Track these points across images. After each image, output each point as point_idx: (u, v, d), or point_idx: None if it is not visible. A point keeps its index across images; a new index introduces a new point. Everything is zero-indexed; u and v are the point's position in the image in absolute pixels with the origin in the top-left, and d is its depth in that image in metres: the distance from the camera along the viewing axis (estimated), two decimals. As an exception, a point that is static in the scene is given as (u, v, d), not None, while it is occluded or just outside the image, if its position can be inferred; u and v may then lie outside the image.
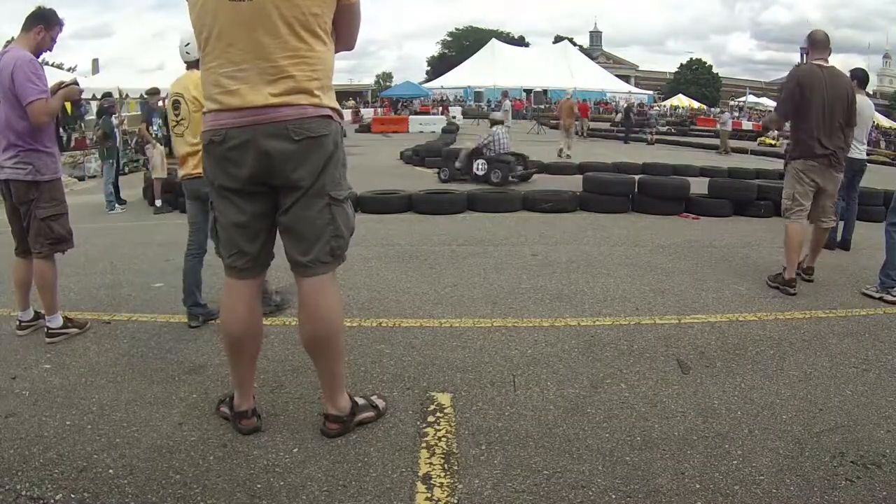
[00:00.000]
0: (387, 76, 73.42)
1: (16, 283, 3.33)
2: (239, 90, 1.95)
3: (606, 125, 28.42)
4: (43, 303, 3.22)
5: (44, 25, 3.11)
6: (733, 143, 19.21)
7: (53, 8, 3.18)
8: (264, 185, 2.04)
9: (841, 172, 4.39)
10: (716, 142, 19.55)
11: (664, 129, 22.83)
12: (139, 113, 17.57)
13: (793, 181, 4.34)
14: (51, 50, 3.22)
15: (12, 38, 3.25)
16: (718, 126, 20.96)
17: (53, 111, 3.13)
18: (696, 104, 47.04)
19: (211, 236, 2.25)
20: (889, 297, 3.97)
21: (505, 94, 17.23)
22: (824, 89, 4.19)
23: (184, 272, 3.45)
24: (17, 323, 3.31)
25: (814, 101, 4.21)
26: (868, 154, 5.64)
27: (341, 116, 2.11)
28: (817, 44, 4.33)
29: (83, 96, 13.44)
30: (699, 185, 7.83)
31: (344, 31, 2.14)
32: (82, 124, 11.35)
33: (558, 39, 66.33)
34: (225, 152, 2.00)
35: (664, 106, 46.93)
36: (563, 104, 17.60)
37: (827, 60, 4.35)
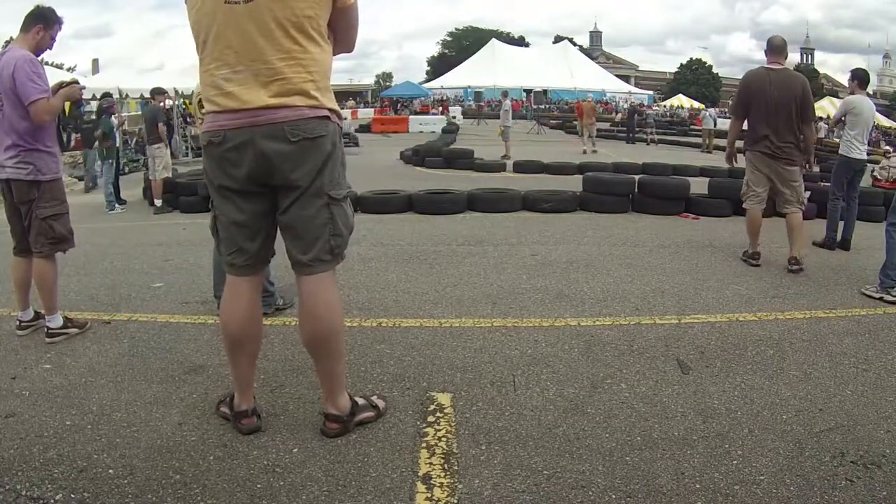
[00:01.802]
0: (387, 76, 73.60)
1: (15, 282, 3.33)
2: (235, 92, 1.95)
3: (606, 125, 28.44)
4: (43, 303, 3.22)
5: (43, 25, 3.11)
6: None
7: (52, 7, 3.16)
8: (263, 185, 2.04)
9: (794, 166, 4.80)
10: (719, 142, 19.63)
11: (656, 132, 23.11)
12: (139, 113, 17.59)
13: (747, 170, 4.98)
14: (51, 48, 3.22)
15: (11, 38, 3.25)
16: (703, 125, 21.36)
17: (55, 110, 3.14)
18: (696, 104, 47.07)
19: (211, 234, 2.25)
20: (889, 297, 3.97)
21: (505, 94, 17.17)
22: (769, 90, 4.67)
23: (214, 264, 3.50)
24: (17, 323, 3.31)
25: (758, 100, 4.72)
26: (868, 154, 5.67)
27: (340, 117, 2.12)
28: (773, 48, 4.81)
29: (83, 96, 13.42)
30: (699, 185, 7.84)
31: (342, 34, 2.15)
32: (79, 123, 11.27)
33: (558, 39, 66.47)
34: (223, 153, 2.00)
35: (664, 106, 46.96)
36: (585, 105, 18.53)
37: (782, 63, 4.80)
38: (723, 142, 19.34)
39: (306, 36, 1.97)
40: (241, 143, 1.97)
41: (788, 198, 4.83)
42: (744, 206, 5.02)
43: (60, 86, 3.25)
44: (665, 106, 47.08)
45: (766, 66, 4.82)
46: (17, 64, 2.96)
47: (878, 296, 4.03)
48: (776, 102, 4.64)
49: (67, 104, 9.42)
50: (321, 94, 2.02)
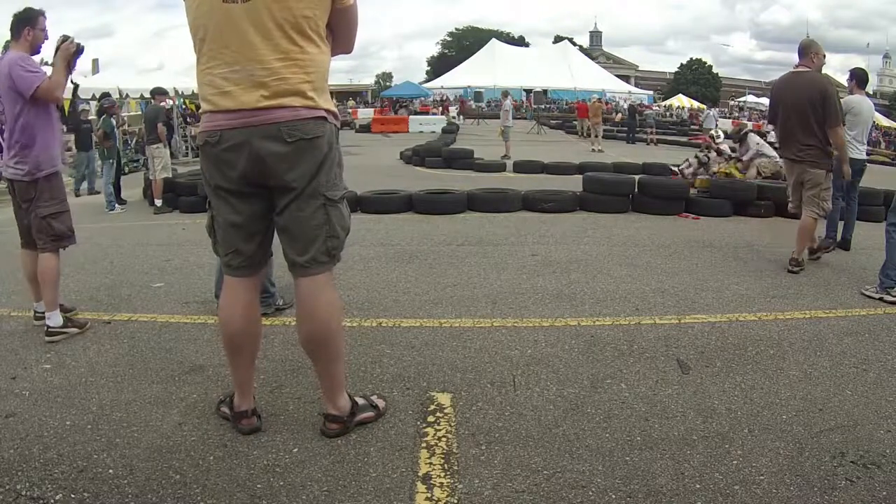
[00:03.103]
0: (387, 76, 73.72)
1: (26, 276, 3.44)
2: (232, 91, 1.95)
3: (606, 125, 28.45)
4: (44, 297, 3.26)
5: (29, 26, 3.22)
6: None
7: (28, 6, 3.27)
8: (260, 185, 2.04)
9: (819, 168, 4.69)
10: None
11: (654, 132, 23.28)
12: (139, 113, 17.55)
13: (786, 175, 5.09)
14: (47, 38, 3.32)
15: (9, 41, 3.32)
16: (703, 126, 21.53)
17: (61, 83, 3.21)
18: (696, 104, 47.07)
19: (209, 234, 2.25)
20: (889, 298, 3.97)
21: (505, 93, 17.16)
22: (786, 94, 4.70)
23: (217, 263, 3.50)
24: (34, 313, 3.40)
25: (781, 105, 4.77)
26: (868, 154, 5.67)
27: (337, 118, 2.12)
28: (799, 51, 4.82)
29: (82, 96, 13.40)
30: (699, 186, 7.84)
31: (340, 35, 2.15)
32: (79, 122, 11.22)
33: (558, 39, 66.44)
34: (220, 153, 2.00)
35: (663, 106, 46.95)
36: (593, 105, 19.12)
37: (807, 66, 4.72)
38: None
39: (304, 37, 1.97)
40: (238, 144, 1.97)
41: (808, 200, 4.76)
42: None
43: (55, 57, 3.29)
44: (665, 106, 47.06)
45: (793, 69, 4.83)
46: (10, 64, 3.10)
47: (877, 296, 4.03)
48: (792, 106, 4.64)
49: (66, 102, 9.35)
50: (318, 94, 2.02)
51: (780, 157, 5.08)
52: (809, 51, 4.73)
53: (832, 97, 4.55)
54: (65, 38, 3.17)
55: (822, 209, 4.73)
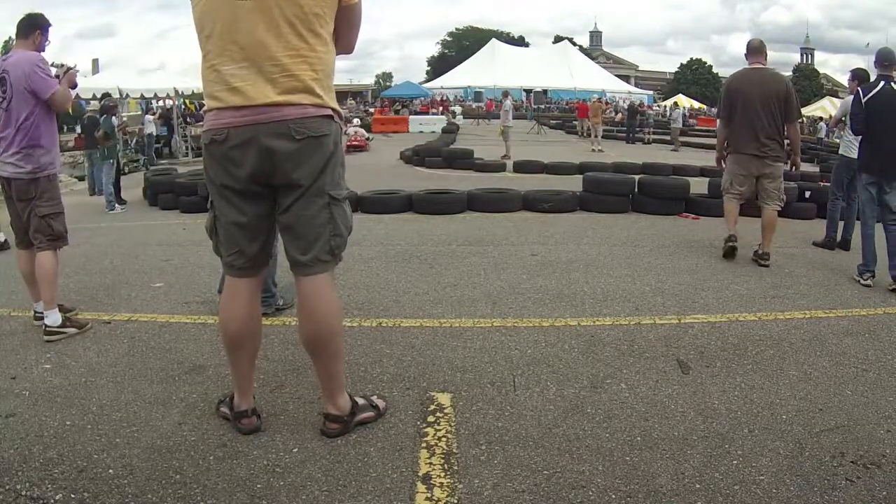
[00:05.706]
0: (387, 76, 73.78)
1: (24, 276, 3.43)
2: (240, 87, 1.95)
3: (606, 125, 28.50)
4: (42, 294, 3.27)
5: (40, 30, 3.32)
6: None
7: (40, 12, 3.36)
8: (265, 184, 2.04)
9: (779, 162, 4.86)
10: (713, 142, 19.73)
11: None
12: (139, 113, 17.56)
13: (731, 169, 4.99)
14: (49, 43, 3.40)
15: (10, 38, 3.36)
16: (671, 124, 21.64)
17: (69, 96, 3.43)
18: (696, 104, 47.06)
19: (209, 235, 2.24)
20: (863, 282, 4.30)
21: (506, 93, 17.16)
22: (753, 89, 4.73)
23: None
24: (33, 314, 3.40)
25: (741, 100, 4.78)
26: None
27: (341, 117, 2.12)
28: (753, 50, 4.94)
29: (83, 96, 13.42)
30: (699, 185, 7.84)
31: (344, 35, 2.15)
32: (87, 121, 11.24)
33: (558, 39, 66.46)
34: (226, 151, 2.00)
35: (663, 106, 46.96)
36: (593, 105, 19.28)
37: (763, 63, 4.90)
38: (707, 140, 19.60)
39: (314, 34, 1.98)
40: (245, 141, 1.96)
41: (770, 193, 4.89)
42: (724, 199, 5.10)
43: (57, 76, 3.39)
44: (664, 106, 47.06)
45: (749, 66, 4.90)
46: (31, 64, 3.17)
47: (856, 277, 4.36)
48: (762, 102, 4.69)
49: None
50: (325, 92, 2.03)
51: (732, 153, 4.93)
52: (763, 50, 4.94)
53: (794, 94, 4.83)
54: (69, 68, 3.48)
55: (781, 200, 4.94)
